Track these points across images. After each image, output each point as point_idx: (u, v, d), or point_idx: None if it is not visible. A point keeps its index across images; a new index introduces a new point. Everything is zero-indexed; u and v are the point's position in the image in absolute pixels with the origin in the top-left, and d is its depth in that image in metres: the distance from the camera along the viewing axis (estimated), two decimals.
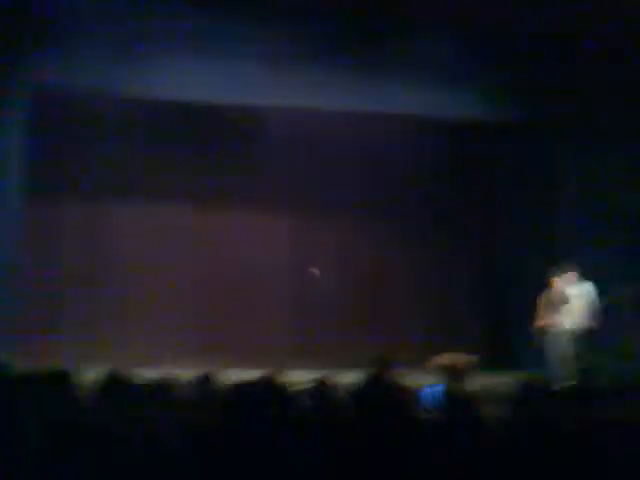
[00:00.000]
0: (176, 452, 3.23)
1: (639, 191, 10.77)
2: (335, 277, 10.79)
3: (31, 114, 10.11)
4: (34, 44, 9.66)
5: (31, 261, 11.07)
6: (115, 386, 4.15)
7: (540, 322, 10.09)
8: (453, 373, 6.50)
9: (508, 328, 11.71)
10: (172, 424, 3.73)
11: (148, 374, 4.84)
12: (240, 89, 10.27)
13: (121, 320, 11.54)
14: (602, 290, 10.13)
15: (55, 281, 11.37)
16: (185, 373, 5.33)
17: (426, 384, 6.72)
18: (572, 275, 10.09)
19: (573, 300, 10.03)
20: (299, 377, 5.01)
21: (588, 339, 9.96)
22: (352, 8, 10.24)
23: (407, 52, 10.67)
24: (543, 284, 10.13)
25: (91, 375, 4.50)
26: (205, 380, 4.52)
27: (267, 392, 3.11)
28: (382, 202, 12.39)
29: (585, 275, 10.20)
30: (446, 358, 6.86)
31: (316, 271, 10.09)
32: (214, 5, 10.03)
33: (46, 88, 10.11)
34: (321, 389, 4.50)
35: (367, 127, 11.77)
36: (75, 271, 11.49)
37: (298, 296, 11.71)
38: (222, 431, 3.09)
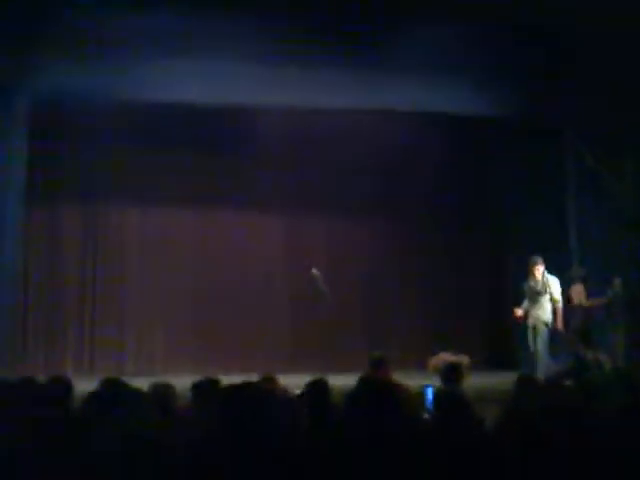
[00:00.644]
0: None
1: None
2: (335, 278, 10.76)
3: (30, 121, 10.13)
4: (31, 51, 9.65)
5: (32, 266, 11.13)
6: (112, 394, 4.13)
7: (517, 313, 10.06)
8: (451, 373, 6.47)
9: (507, 327, 11.66)
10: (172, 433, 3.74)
11: (143, 382, 4.85)
12: (240, 90, 10.23)
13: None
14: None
15: (56, 287, 11.39)
16: (182, 379, 5.36)
17: (425, 384, 6.73)
18: (539, 267, 10.01)
19: (543, 293, 9.98)
20: (294, 381, 4.99)
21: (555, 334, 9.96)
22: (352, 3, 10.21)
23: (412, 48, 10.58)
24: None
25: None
26: (204, 386, 4.52)
27: (261, 397, 3.10)
28: (386, 199, 12.41)
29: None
30: (443, 358, 6.86)
31: (317, 272, 10.07)
32: (213, 4, 10.01)
33: (44, 95, 10.12)
34: (315, 392, 4.50)
35: (371, 125, 11.80)
36: (76, 277, 11.51)
37: (298, 298, 11.72)
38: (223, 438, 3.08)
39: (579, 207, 11.39)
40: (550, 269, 10.08)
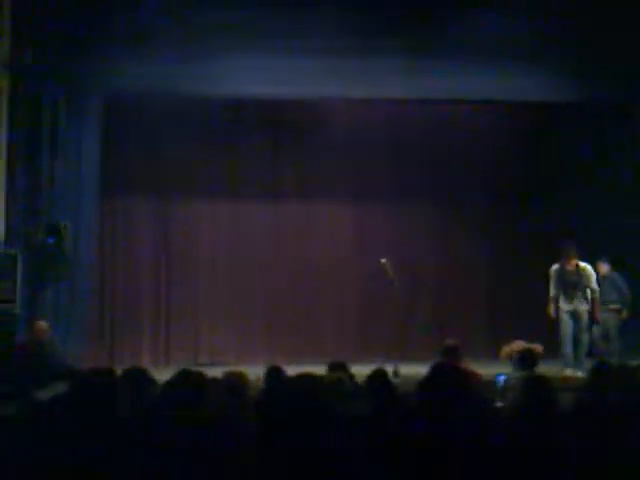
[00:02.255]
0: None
1: None
2: (403, 266, 10.72)
3: (104, 118, 10.34)
4: (103, 51, 9.86)
5: (107, 260, 11.39)
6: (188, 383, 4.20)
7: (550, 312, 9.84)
8: (526, 361, 6.41)
9: None
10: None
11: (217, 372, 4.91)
12: (303, 82, 10.29)
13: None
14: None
15: (130, 280, 11.62)
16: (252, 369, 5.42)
17: (499, 373, 6.69)
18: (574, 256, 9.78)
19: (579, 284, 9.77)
20: (363, 370, 5.02)
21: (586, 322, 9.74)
22: None
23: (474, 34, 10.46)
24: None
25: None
26: (274, 374, 4.57)
27: (327, 388, 3.12)
28: (451, 188, 12.34)
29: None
30: (517, 346, 6.78)
31: (386, 261, 10.05)
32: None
33: (117, 94, 10.33)
34: (380, 380, 4.52)
35: (436, 113, 11.76)
36: (148, 270, 11.71)
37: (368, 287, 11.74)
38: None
39: None
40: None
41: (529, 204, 12.41)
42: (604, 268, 10.38)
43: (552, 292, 9.83)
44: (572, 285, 9.74)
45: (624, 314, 10.31)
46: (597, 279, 10.02)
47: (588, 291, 9.85)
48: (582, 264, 9.81)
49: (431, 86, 10.49)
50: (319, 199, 12.18)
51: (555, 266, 9.85)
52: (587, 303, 9.80)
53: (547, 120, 11.94)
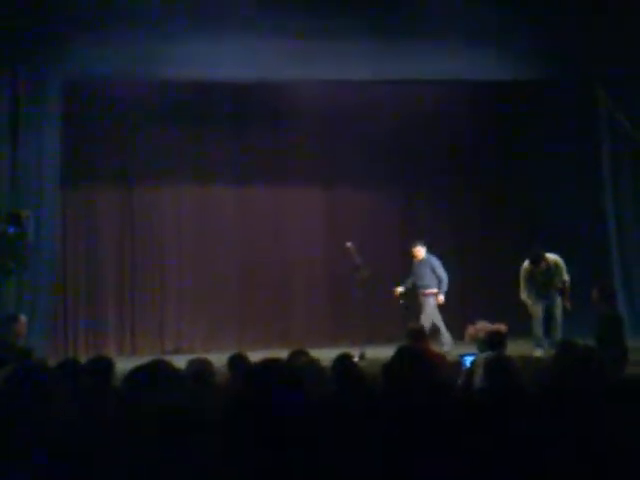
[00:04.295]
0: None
1: None
2: (370, 251, 10.72)
3: (65, 104, 10.19)
4: (62, 34, 9.70)
5: (71, 249, 11.26)
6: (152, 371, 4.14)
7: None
8: (493, 341, 6.44)
9: None
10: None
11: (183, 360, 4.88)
12: (268, 65, 10.21)
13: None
14: None
15: (95, 268, 11.50)
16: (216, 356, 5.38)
17: (464, 353, 6.71)
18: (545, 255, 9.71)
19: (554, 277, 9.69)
20: (331, 355, 5.01)
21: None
22: None
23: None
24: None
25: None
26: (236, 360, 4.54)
27: (289, 372, 3.11)
28: (414, 170, 12.36)
29: None
30: (481, 327, 6.80)
31: (351, 245, 10.05)
32: None
33: (76, 77, 10.18)
34: (345, 365, 4.51)
35: (400, 96, 11.74)
36: (112, 258, 11.61)
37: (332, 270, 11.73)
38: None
39: (614, 172, 11.17)
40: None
41: (492, 186, 12.47)
42: (421, 252, 10.38)
43: (524, 294, 9.68)
44: (544, 284, 9.63)
45: (440, 298, 10.27)
46: (414, 264, 10.16)
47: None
48: (552, 258, 9.65)
49: (395, 67, 10.47)
50: (287, 184, 12.11)
51: (526, 265, 9.68)
52: (559, 295, 9.67)
53: (507, 99, 11.96)
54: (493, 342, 6.38)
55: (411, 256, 10.50)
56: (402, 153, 12.29)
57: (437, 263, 10.37)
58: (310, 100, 11.63)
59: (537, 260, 9.56)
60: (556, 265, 9.61)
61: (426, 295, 10.24)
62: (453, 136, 12.35)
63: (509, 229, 12.40)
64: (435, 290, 10.26)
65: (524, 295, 9.66)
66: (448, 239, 12.30)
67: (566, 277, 9.63)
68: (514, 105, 12.12)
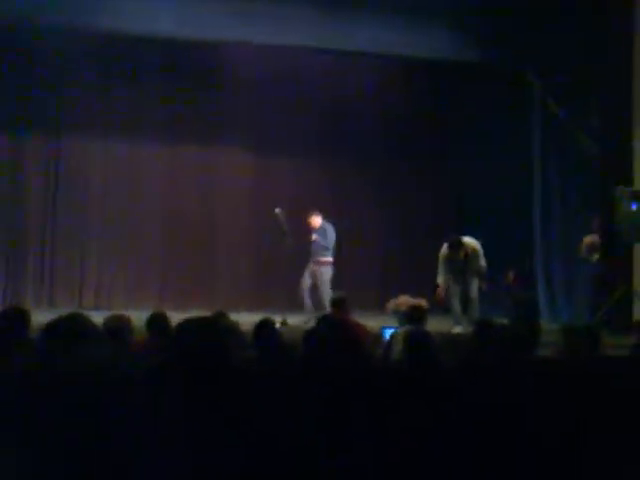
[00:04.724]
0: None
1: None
2: (297, 218, 10.72)
3: None
4: None
5: None
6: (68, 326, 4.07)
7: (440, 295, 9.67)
8: (414, 315, 6.52)
9: None
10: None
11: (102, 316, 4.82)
12: (207, 24, 10.04)
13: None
14: None
15: (16, 218, 11.26)
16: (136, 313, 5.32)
17: (385, 326, 6.79)
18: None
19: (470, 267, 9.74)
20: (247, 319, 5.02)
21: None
22: None
23: None
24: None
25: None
26: (156, 320, 4.50)
27: (211, 334, 3.08)
28: (348, 142, 12.34)
29: None
30: (403, 300, 6.89)
31: (280, 211, 10.02)
32: None
33: (8, 24, 9.86)
34: (266, 330, 4.51)
35: (338, 66, 11.69)
36: (37, 208, 11.39)
37: (262, 236, 11.71)
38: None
39: (543, 156, 11.36)
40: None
41: (423, 161, 12.56)
42: (317, 220, 10.42)
43: (440, 278, 9.62)
44: (461, 270, 9.65)
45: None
46: (314, 231, 10.20)
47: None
48: (469, 244, 9.66)
49: (334, 36, 10.41)
50: (218, 145, 11.99)
51: (444, 250, 9.65)
52: (476, 279, 9.72)
53: (445, 79, 12.04)
54: (414, 316, 6.47)
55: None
56: (335, 122, 12.25)
57: (331, 230, 10.37)
58: (246, 63, 11.50)
59: (455, 246, 9.58)
60: (474, 251, 9.65)
61: (322, 264, 10.25)
62: (387, 109, 12.33)
63: (438, 206, 12.53)
64: (329, 258, 10.29)
65: (441, 279, 9.64)
66: (375, 210, 12.38)
67: (483, 263, 9.69)
68: (444, 83, 12.16)
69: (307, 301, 10.14)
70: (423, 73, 11.95)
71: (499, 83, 11.45)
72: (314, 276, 10.20)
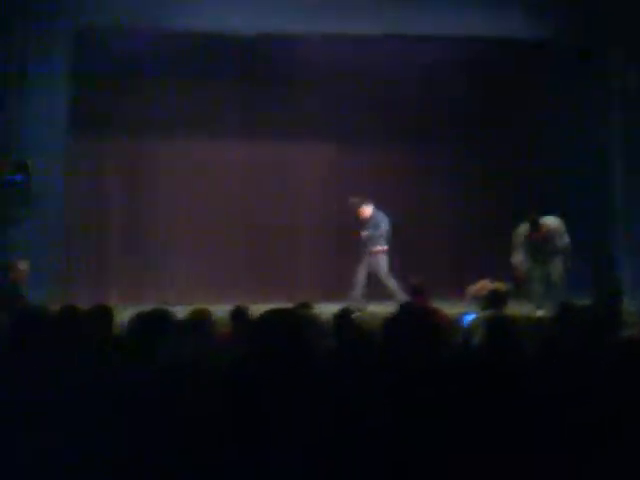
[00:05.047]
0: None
1: None
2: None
3: (74, 55, 10.14)
4: None
5: (76, 197, 11.23)
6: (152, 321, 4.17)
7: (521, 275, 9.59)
8: (494, 300, 6.47)
9: None
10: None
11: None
12: (279, 17, 10.19)
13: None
14: None
15: (100, 218, 11.53)
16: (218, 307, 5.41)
17: (464, 312, 6.75)
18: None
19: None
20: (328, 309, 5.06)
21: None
22: None
23: None
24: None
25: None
26: (239, 313, 4.57)
27: (292, 324, 3.12)
28: (417, 127, 12.24)
29: None
30: (482, 285, 6.82)
31: (356, 201, 10.06)
32: None
33: (89, 27, 10.12)
34: (346, 319, 4.54)
35: (398, 51, 11.60)
36: (119, 208, 11.64)
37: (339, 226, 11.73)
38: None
39: (623, 132, 11.10)
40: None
41: (497, 142, 12.33)
42: (368, 210, 10.40)
43: (518, 258, 9.48)
44: (541, 251, 9.46)
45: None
46: (366, 222, 10.18)
47: None
48: (550, 223, 9.50)
49: (397, 23, 10.36)
50: (298, 140, 12.02)
51: (522, 229, 9.51)
52: (558, 260, 9.54)
53: (509, 58, 11.76)
54: (494, 300, 6.42)
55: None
56: (412, 110, 12.11)
57: (382, 218, 10.40)
58: (316, 55, 11.49)
59: (535, 225, 9.41)
60: (556, 229, 9.48)
61: (377, 253, 10.28)
62: (453, 91, 12.03)
63: (517, 188, 12.33)
64: (384, 247, 10.30)
65: (518, 258, 9.48)
66: (444, 193, 12.28)
67: (566, 239, 9.51)
68: (509, 63, 11.88)
69: (356, 292, 10.17)
70: (494, 53, 11.73)
71: (562, 60, 11.22)
72: (370, 267, 10.20)
